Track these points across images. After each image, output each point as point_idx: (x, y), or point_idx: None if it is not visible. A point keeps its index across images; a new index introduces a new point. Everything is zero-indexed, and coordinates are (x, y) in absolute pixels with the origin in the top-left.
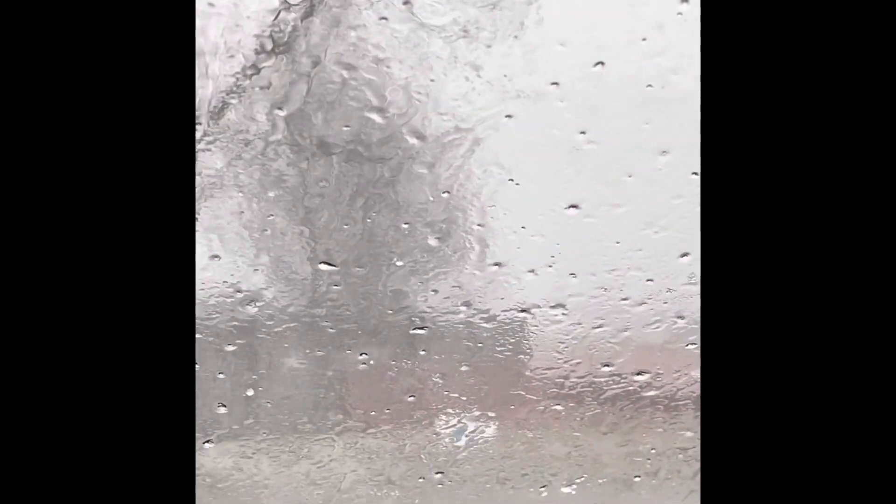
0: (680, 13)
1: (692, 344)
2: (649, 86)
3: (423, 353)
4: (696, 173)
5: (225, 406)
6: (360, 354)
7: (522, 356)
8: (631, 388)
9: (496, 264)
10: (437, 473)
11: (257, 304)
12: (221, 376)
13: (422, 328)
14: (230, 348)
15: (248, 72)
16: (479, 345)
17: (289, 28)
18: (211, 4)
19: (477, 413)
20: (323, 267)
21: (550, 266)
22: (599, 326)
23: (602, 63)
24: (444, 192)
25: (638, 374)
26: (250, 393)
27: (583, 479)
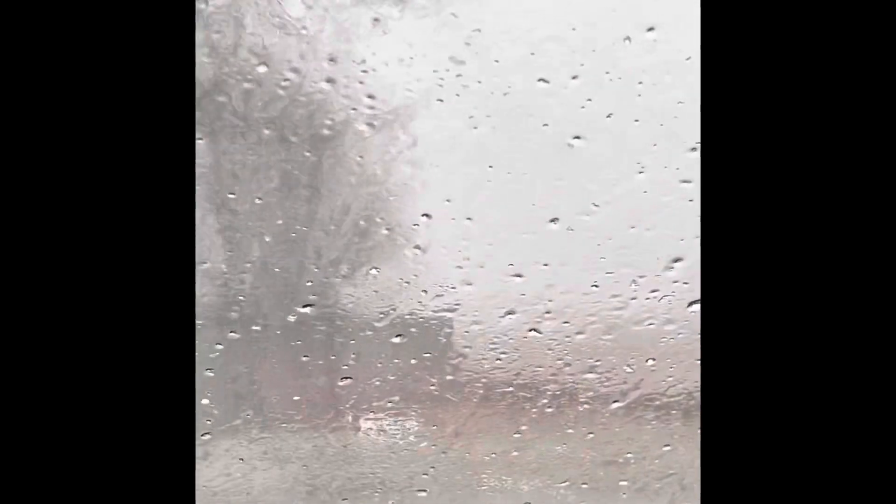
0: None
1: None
2: (640, 83)
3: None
4: (687, 181)
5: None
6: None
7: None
8: (620, 387)
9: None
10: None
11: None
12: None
13: (400, 335)
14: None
15: None
16: (468, 347)
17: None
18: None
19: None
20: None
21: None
22: (584, 331)
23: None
24: (422, 215)
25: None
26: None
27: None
